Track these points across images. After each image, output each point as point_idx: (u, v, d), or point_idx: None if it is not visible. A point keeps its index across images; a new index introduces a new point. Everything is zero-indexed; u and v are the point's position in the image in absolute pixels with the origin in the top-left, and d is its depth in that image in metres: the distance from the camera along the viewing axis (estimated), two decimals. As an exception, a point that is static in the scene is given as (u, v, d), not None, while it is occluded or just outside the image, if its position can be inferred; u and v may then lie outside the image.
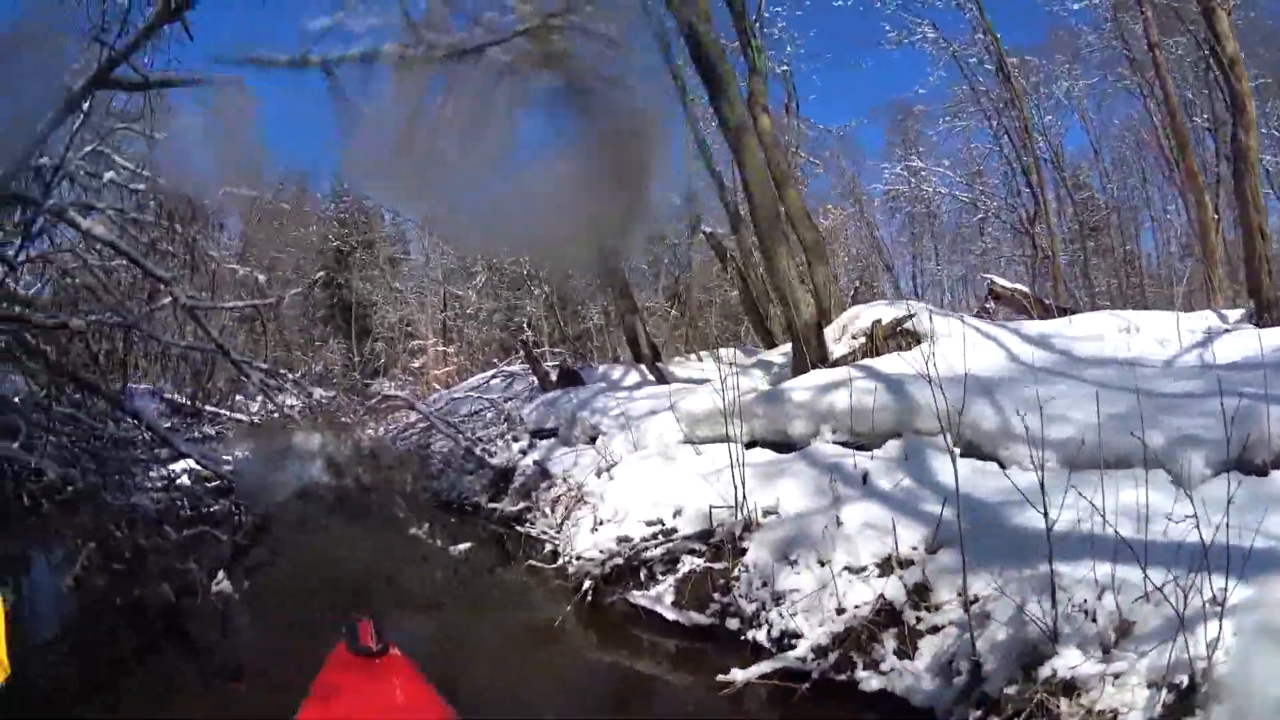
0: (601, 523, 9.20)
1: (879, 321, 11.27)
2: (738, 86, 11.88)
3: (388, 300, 40.44)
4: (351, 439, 13.64)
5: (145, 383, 17.80)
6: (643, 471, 9.93)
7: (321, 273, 41.41)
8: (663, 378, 14.82)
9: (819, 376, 9.89)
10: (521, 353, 20.64)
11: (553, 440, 13.73)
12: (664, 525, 8.66)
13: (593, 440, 12.25)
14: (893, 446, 8.09)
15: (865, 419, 8.69)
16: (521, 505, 12.34)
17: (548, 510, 11.26)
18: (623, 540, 8.66)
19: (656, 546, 8.35)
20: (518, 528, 11.68)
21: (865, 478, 7.56)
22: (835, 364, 10.72)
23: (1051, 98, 30.16)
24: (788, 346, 13.53)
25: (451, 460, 15.52)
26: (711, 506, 8.12)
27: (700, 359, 17.93)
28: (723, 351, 18.98)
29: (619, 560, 8.46)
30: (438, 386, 27.28)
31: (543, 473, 12.65)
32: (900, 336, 11.10)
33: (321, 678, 4.54)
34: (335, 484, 13.05)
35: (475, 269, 36.88)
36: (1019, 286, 16.24)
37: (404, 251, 43.86)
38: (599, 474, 10.59)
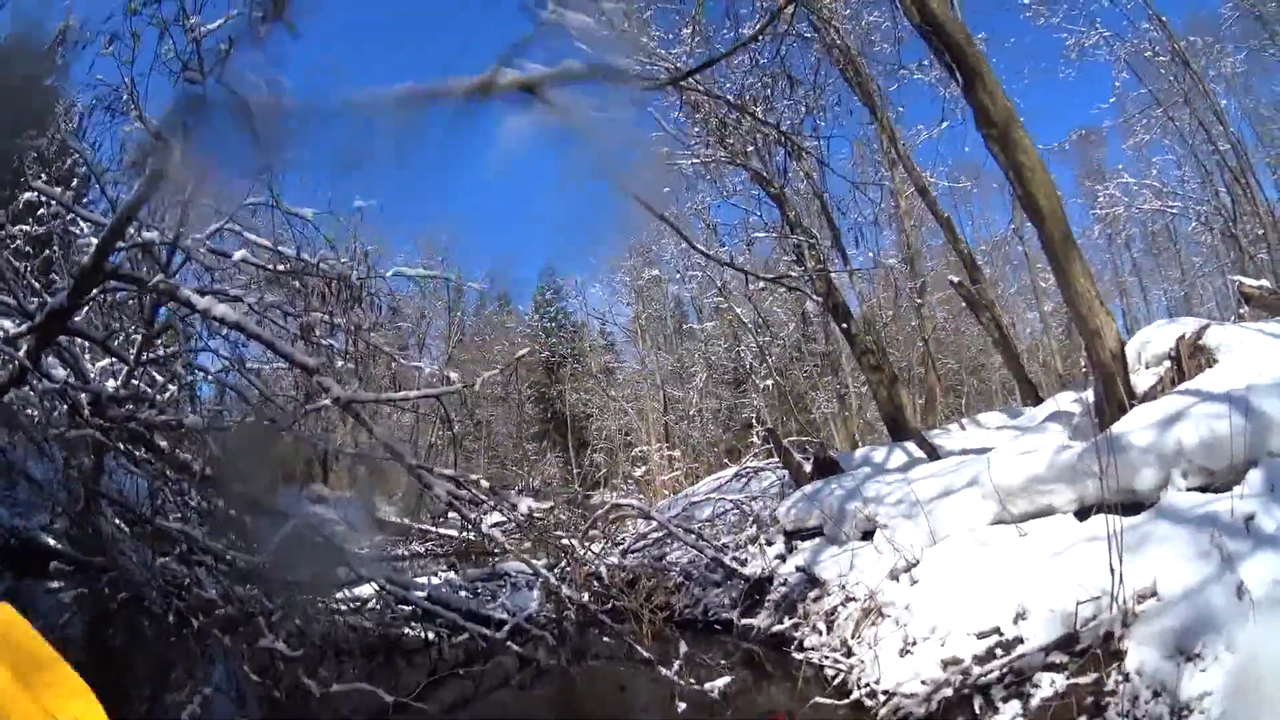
0: (914, 642, 7.11)
1: (1183, 338, 8.77)
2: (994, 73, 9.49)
3: (604, 410, 39.18)
4: (574, 559, 12.35)
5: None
6: (954, 568, 7.77)
7: (529, 389, 40.95)
8: (935, 452, 12.38)
9: (1149, 414, 7.58)
10: (756, 450, 18.51)
11: (817, 541, 11.46)
12: (1002, 636, 6.56)
13: (868, 536, 10.11)
14: (1255, 479, 6.24)
15: (1220, 453, 6.71)
16: (788, 622, 10.11)
17: (821, 626, 9.17)
18: (950, 663, 6.60)
19: (999, 667, 6.25)
20: (786, 650, 9.58)
21: (1249, 524, 5.72)
22: (1145, 398, 8.53)
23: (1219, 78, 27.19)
24: (1069, 395, 11.98)
25: (693, 572, 13.37)
26: (1079, 602, 6.01)
27: (963, 427, 15.46)
28: (984, 416, 16.57)
29: (948, 691, 6.42)
30: (666, 493, 25.33)
31: (809, 580, 10.53)
32: (1198, 354, 8.65)
33: None
34: (557, 613, 11.91)
35: (694, 368, 35.36)
36: (1264, 283, 13.40)
37: (616, 359, 42.65)
38: (894, 577, 8.43)
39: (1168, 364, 8.86)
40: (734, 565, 12.25)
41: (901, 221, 22.73)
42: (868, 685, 7.16)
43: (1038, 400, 15.63)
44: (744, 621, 11.22)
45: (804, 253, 15.81)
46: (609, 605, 11.87)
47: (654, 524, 13.95)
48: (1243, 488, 6.21)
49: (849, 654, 8.05)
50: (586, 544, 13.50)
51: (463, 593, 12.62)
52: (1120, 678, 5.48)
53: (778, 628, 10.13)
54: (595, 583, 13.20)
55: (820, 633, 9.15)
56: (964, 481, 9.10)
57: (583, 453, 40.59)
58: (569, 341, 43.58)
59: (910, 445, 13.55)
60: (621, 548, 15.25)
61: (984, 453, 9.97)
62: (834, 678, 7.91)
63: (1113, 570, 5.79)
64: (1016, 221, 26.64)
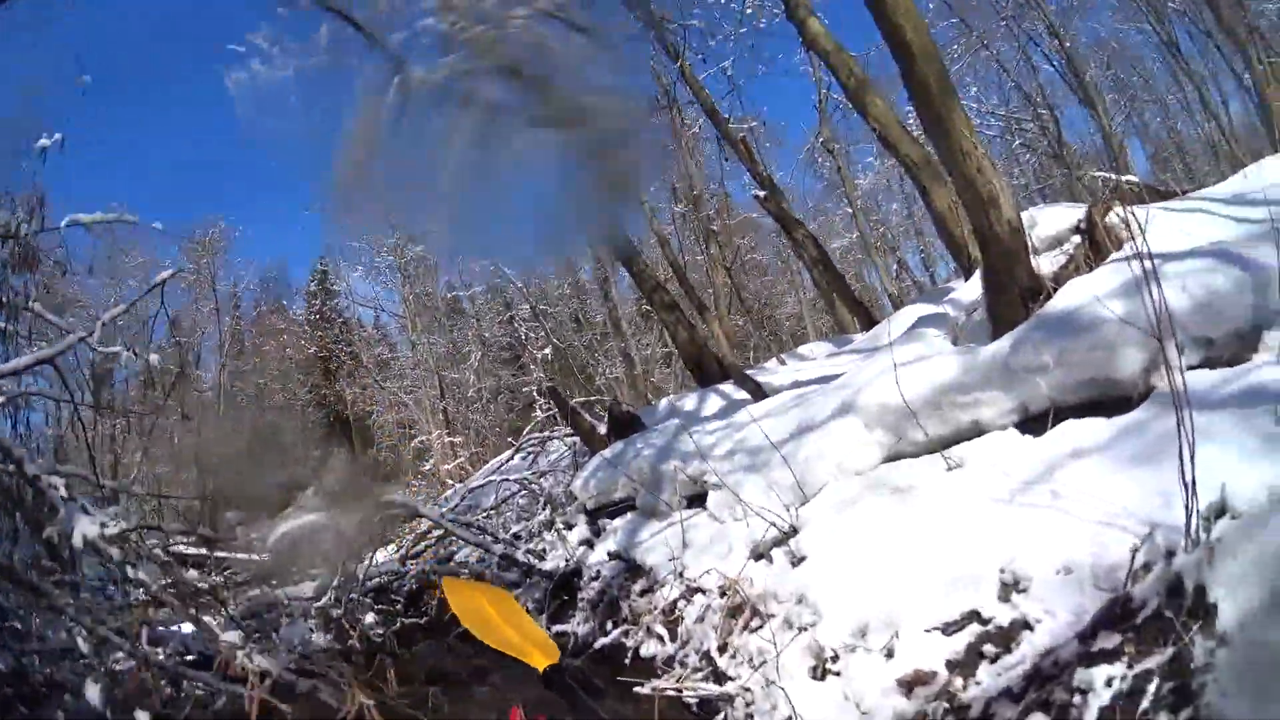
0: (833, 655, 4.51)
1: (1095, 208, 6.40)
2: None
3: (384, 405, 35.42)
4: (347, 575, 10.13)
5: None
6: (861, 530, 5.18)
7: (308, 393, 37.69)
8: (760, 390, 9.53)
9: (1094, 285, 5.39)
10: (540, 420, 15.36)
11: (630, 517, 8.56)
12: (989, 624, 4.11)
13: (698, 502, 7.41)
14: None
15: (1226, 315, 4.78)
16: (614, 632, 7.11)
17: (661, 630, 6.42)
18: (915, 683, 4.10)
19: (1006, 674, 3.81)
20: (621, 664, 6.60)
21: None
22: (1057, 283, 6.06)
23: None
24: (914, 310, 9.70)
25: (485, 573, 10.24)
26: (1134, 549, 3.68)
27: (782, 362, 12.71)
28: (806, 348, 13.92)
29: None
30: (450, 483, 21.85)
31: (629, 568, 7.67)
32: (1108, 233, 6.28)
33: None
34: (340, 642, 9.61)
35: (468, 348, 31.91)
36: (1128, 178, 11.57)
37: (390, 350, 38.81)
38: (761, 555, 5.81)
39: (1076, 241, 6.43)
40: (528, 560, 9.24)
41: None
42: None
43: (870, 323, 13.07)
44: (555, 629, 8.16)
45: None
46: (396, 625, 10.04)
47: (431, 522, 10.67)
48: (1266, 354, 4.61)
49: (719, 677, 5.26)
50: (361, 556, 10.67)
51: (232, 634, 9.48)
52: (1212, 645, 2.97)
53: (602, 641, 7.13)
54: (373, 599, 10.79)
55: (661, 640, 6.38)
56: (829, 412, 6.42)
57: (367, 452, 36.77)
58: (342, 338, 39.53)
59: (726, 388, 10.67)
60: (401, 553, 12.13)
61: (833, 381, 7.45)
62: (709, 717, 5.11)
63: (1186, 483, 3.39)
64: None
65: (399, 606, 10.97)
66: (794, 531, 5.58)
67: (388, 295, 35.67)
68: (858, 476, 5.82)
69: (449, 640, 9.29)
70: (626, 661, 6.54)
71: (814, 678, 4.47)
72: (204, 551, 21.40)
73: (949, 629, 4.13)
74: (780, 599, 5.12)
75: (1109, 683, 3.29)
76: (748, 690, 4.79)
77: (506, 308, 31.77)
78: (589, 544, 8.77)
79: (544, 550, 9.44)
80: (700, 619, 5.85)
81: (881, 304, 26.54)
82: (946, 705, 3.80)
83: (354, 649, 9.51)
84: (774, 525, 5.69)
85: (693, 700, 5.25)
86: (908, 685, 4.02)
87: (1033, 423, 5.31)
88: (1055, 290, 5.85)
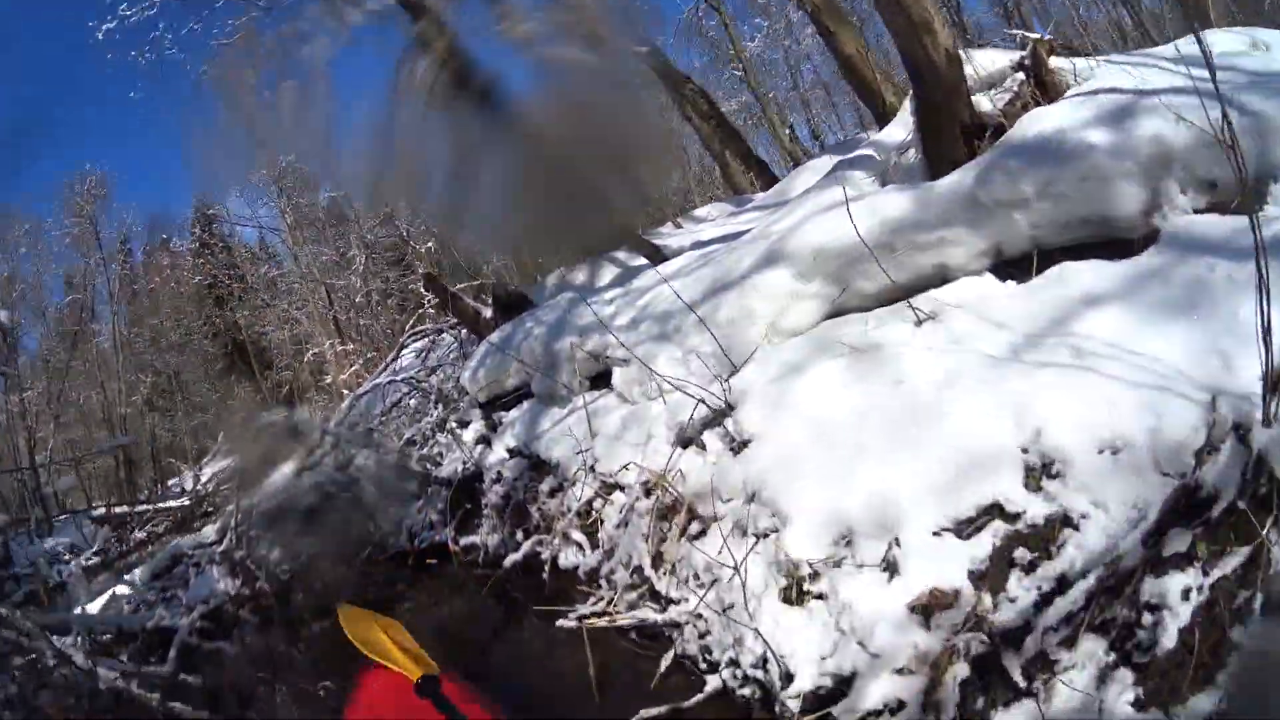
0: (811, 572, 3.41)
1: (1039, 43, 5.39)
2: None
3: (277, 324, 33.26)
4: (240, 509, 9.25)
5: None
6: (818, 406, 4.01)
7: (203, 325, 35.32)
8: (659, 254, 8.18)
9: (1071, 114, 4.41)
10: (425, 312, 13.87)
11: (526, 406, 7.24)
12: (1019, 520, 3.04)
13: (601, 381, 6.24)
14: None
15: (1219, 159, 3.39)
16: (525, 543, 5.85)
17: (579, 537, 5.27)
18: (936, 605, 2.98)
19: (1037, 586, 2.86)
20: (537, 576, 5.59)
21: None
22: (997, 123, 4.97)
23: None
24: (825, 160, 8.99)
25: (384, 484, 8.91)
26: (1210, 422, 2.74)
27: (678, 225, 11.26)
28: (703, 210, 12.49)
29: (959, 669, 2.82)
30: (349, 393, 20.24)
31: (533, 465, 6.40)
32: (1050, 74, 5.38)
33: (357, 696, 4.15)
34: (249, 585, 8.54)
35: (351, 253, 29.78)
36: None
37: (277, 268, 36.41)
38: (689, 442, 4.59)
39: (1019, 78, 5.34)
40: (423, 468, 7.94)
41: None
42: (744, 673, 3.40)
43: (771, 182, 11.69)
44: (464, 541, 6.91)
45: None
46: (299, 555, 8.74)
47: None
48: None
49: (658, 598, 4.04)
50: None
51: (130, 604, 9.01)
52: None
53: (513, 557, 5.84)
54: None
55: (581, 548, 5.19)
56: (748, 265, 5.15)
57: (270, 374, 34.66)
58: (228, 263, 36.93)
59: (620, 256, 9.22)
60: (294, 468, 10.77)
61: (743, 236, 6.27)
62: (651, 642, 4.04)
63: (1265, 343, 2.62)
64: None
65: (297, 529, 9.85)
66: (729, 409, 4.33)
67: (267, 213, 33.07)
68: (797, 338, 4.59)
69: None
70: (545, 574, 5.38)
71: (787, 601, 3.29)
72: (126, 509, 20.30)
73: (964, 530, 3.04)
74: (724, 496, 3.90)
75: (1186, 595, 2.48)
76: (699, 618, 3.57)
77: (386, 206, 29.82)
78: (486, 442, 7.43)
79: (440, 454, 8.12)
80: (623, 523, 4.61)
81: (779, 168, 25.03)
82: (982, 637, 2.64)
83: (261, 591, 8.38)
84: (702, 402, 4.41)
85: (628, 624, 4.05)
86: (923, 610, 2.88)
87: (1009, 267, 4.28)
88: (1005, 128, 4.81)
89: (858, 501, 3.32)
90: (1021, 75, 5.34)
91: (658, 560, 4.07)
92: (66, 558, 20.62)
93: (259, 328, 34.91)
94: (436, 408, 9.04)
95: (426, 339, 12.66)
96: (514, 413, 7.19)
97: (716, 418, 4.35)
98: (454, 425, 7.95)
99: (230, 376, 34.71)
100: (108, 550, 20.00)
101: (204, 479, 8.89)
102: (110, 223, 32.87)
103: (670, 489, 4.17)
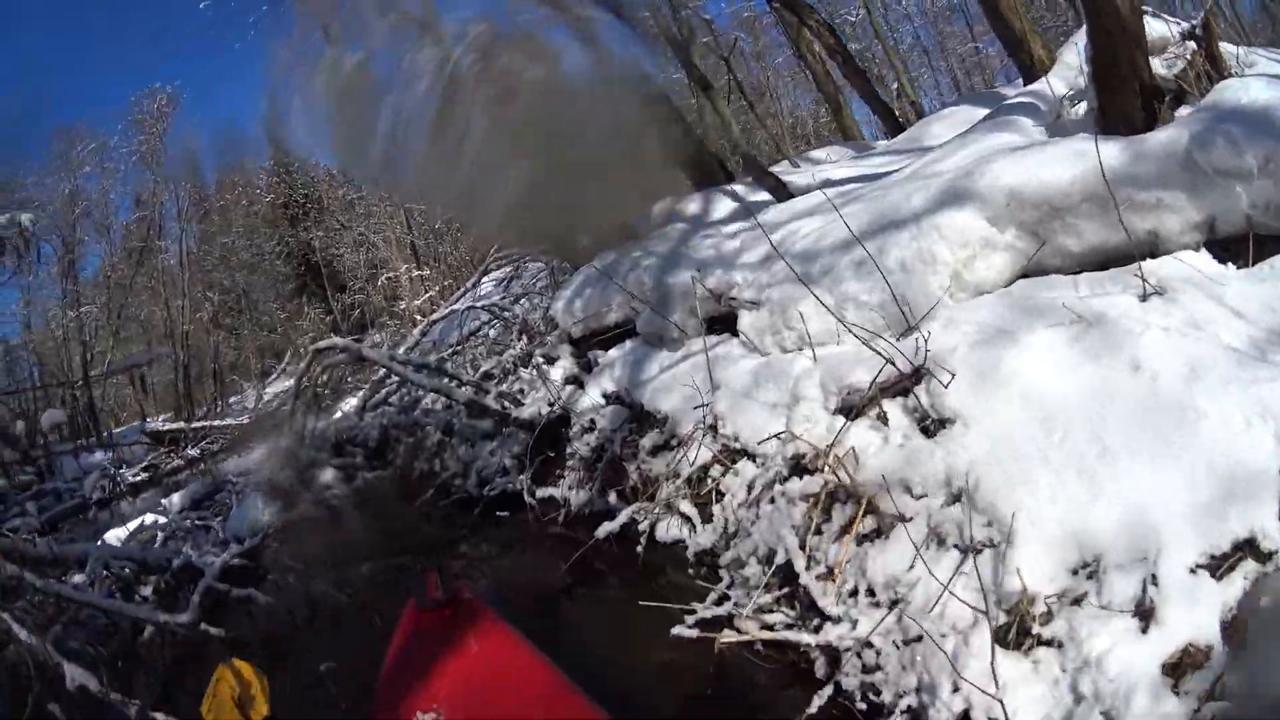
0: (1043, 615, 2.56)
1: (1211, 12, 5.18)
2: None
3: (354, 247, 32.67)
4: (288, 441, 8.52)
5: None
6: (1052, 386, 3.13)
7: (277, 245, 35.38)
8: (784, 190, 7.17)
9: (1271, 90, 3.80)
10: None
11: (628, 346, 6.29)
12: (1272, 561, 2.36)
13: (721, 326, 5.36)
14: None
15: None
16: (625, 512, 4.92)
17: (689, 510, 4.51)
18: (1188, 665, 2.24)
19: None
20: (631, 545, 4.75)
21: None
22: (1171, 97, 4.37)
23: None
24: (960, 111, 8.35)
25: (455, 424, 8.18)
26: None
27: (795, 165, 10.11)
28: (820, 152, 11.35)
29: None
30: (420, 319, 19.45)
31: (634, 416, 5.53)
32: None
33: (395, 639, 4.11)
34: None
35: (430, 179, 28.87)
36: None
37: (355, 190, 35.77)
38: (850, 411, 3.72)
39: (1190, 47, 4.97)
40: (501, 406, 7.01)
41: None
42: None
43: (898, 129, 10.63)
44: (541, 493, 6.13)
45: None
46: (355, 480, 8.55)
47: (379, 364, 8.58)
48: None
49: (805, 607, 3.26)
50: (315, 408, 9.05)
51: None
52: None
53: (608, 526, 4.88)
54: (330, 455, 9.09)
55: (691, 522, 4.42)
56: (924, 203, 4.24)
57: (341, 297, 34.20)
58: (303, 183, 36.34)
59: (737, 189, 8.03)
60: (356, 405, 10.25)
61: (890, 176, 5.56)
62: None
63: None
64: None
65: (360, 460, 9.21)
66: (919, 374, 3.41)
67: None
68: (985, 295, 3.72)
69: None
70: (639, 547, 4.56)
71: (1005, 644, 2.47)
72: (182, 425, 19.99)
73: (1219, 568, 2.40)
74: (915, 490, 3.03)
75: None
76: (869, 647, 2.69)
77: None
78: (577, 383, 6.60)
79: (521, 392, 7.31)
80: (754, 503, 3.75)
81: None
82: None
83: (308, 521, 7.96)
84: (890, 363, 3.49)
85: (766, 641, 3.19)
86: (1172, 671, 2.25)
87: (1220, 248, 3.56)
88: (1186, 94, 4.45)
89: (1109, 520, 2.53)
90: (1193, 45, 4.95)
91: (812, 561, 3.18)
92: (112, 473, 20.19)
93: (334, 250, 34.30)
94: (520, 340, 8.23)
95: (511, 265, 11.82)
96: (613, 352, 6.28)
97: (900, 384, 3.43)
98: (540, 361, 7.10)
99: (301, 297, 34.83)
100: (157, 466, 19.65)
101: (266, 398, 8.20)
102: (178, 141, 32.61)
103: (838, 471, 3.25)
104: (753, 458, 4.05)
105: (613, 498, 5.27)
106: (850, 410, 3.56)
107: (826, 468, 3.30)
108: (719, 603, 3.54)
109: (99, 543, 7.34)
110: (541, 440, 6.33)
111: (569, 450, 6.04)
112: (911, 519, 2.93)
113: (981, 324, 3.44)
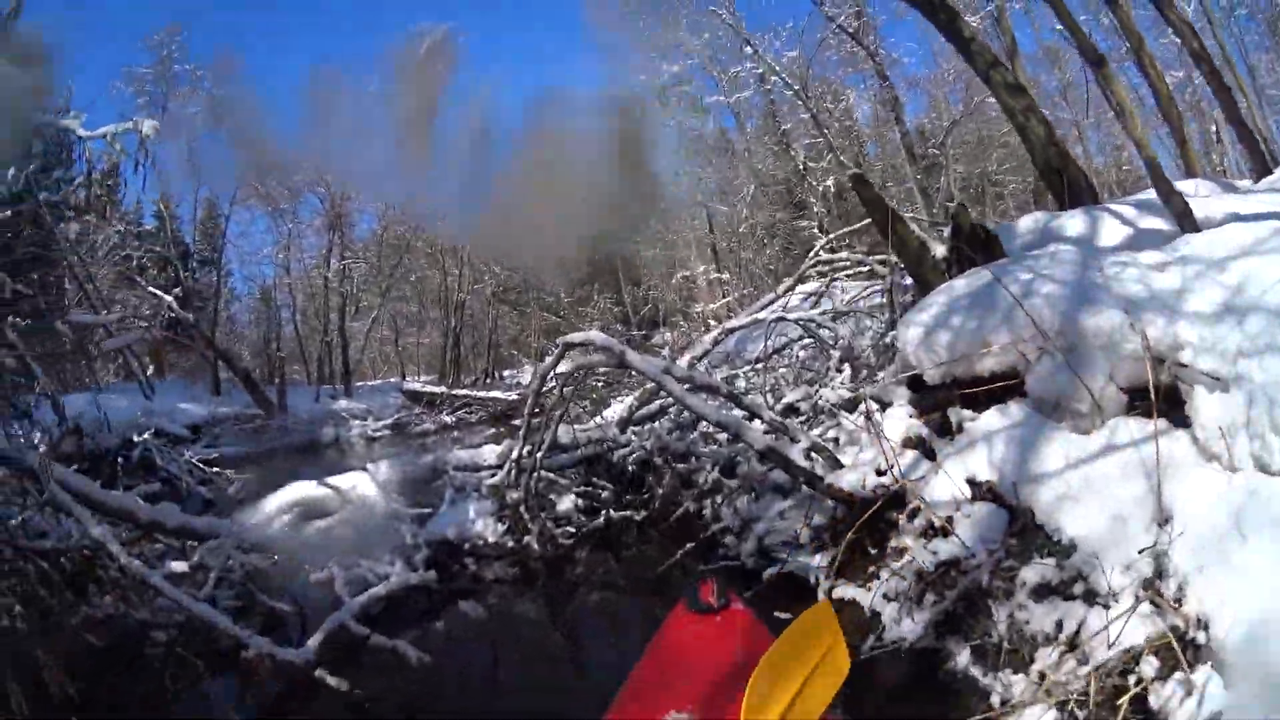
0: None
1: None
2: None
3: (650, 242, 31.73)
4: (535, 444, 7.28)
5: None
6: None
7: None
8: (1190, 218, 5.10)
9: None
10: (829, 246, 11.05)
11: (1014, 412, 4.18)
12: None
13: (1157, 401, 3.40)
14: None
15: None
16: (976, 671, 3.30)
17: None
18: None
19: None
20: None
21: None
22: None
23: None
24: None
25: (739, 465, 6.69)
26: None
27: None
28: (1185, 184, 9.06)
29: None
30: (713, 323, 17.92)
31: (1019, 531, 3.66)
32: None
33: (660, 634, 4.09)
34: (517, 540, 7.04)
35: (738, 181, 27.46)
36: None
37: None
38: None
39: None
40: (808, 460, 5.14)
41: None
42: None
43: (1265, 166, 8.60)
44: (841, 593, 4.41)
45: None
46: (600, 518, 7.33)
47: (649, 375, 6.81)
48: None
49: None
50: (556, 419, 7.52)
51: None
52: None
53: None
54: (581, 474, 8.01)
55: None
56: None
57: (634, 290, 33.72)
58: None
59: (1123, 210, 6.09)
60: (619, 415, 8.81)
61: None
62: None
63: None
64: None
65: (610, 489, 7.90)
66: None
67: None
68: None
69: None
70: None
71: None
72: (443, 389, 19.44)
73: None
74: None
75: None
76: None
77: (783, 136, 26.98)
78: (922, 449, 4.68)
79: (836, 443, 5.57)
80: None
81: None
82: None
83: (529, 550, 6.92)
84: None
85: None
86: None
87: None
88: None
89: None
90: None
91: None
92: (354, 422, 19.86)
93: (630, 242, 33.59)
94: (840, 369, 6.47)
95: (826, 278, 10.03)
96: (990, 418, 4.26)
97: None
98: (873, 406, 5.16)
99: (592, 285, 34.73)
100: (405, 424, 19.26)
101: (535, 381, 6.88)
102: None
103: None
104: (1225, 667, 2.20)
105: (956, 647, 3.51)
106: None
107: None
108: None
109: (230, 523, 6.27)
110: (853, 514, 4.48)
111: (895, 543, 4.28)
112: None
113: None
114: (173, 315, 20.04)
